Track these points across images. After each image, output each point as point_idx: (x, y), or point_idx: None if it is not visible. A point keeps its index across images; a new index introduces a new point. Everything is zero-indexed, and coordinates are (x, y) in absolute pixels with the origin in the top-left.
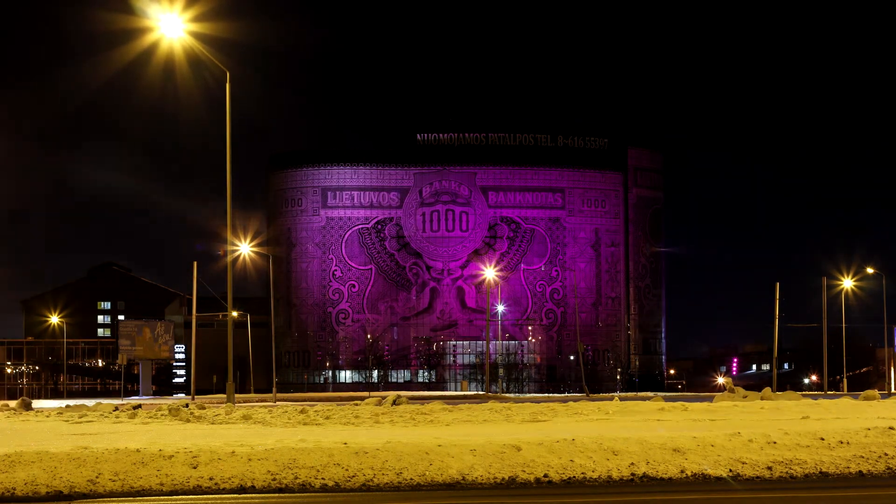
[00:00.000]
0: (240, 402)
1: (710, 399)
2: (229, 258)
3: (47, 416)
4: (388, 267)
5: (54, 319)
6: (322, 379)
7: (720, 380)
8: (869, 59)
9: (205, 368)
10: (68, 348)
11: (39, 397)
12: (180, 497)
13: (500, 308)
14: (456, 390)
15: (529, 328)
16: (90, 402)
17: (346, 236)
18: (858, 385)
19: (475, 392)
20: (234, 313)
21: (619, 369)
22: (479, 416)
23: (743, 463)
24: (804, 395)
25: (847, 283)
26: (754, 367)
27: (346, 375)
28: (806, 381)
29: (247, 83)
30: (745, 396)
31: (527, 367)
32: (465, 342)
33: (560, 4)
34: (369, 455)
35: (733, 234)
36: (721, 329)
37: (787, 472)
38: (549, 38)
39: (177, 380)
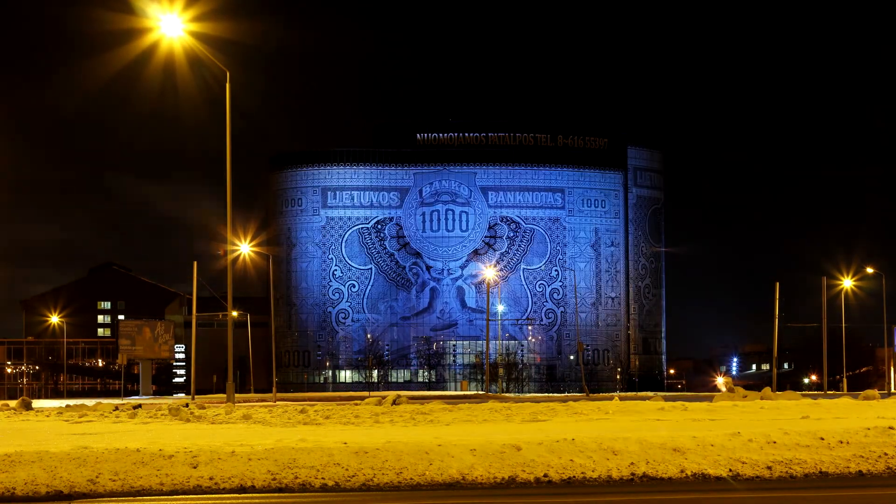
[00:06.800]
0: (240, 402)
1: (710, 399)
2: (229, 258)
3: (47, 416)
4: (388, 267)
5: (54, 319)
6: (322, 379)
7: (720, 380)
8: (870, 57)
9: (205, 368)
10: (68, 348)
11: (39, 397)
12: (180, 497)
13: (500, 308)
14: (456, 390)
15: (529, 328)
16: (90, 402)
17: (346, 236)
18: (858, 385)
19: (475, 392)
20: (234, 313)
21: (618, 369)
22: (479, 415)
23: (743, 463)
24: (804, 395)
25: (847, 283)
26: (754, 366)
27: (346, 375)
28: (806, 380)
29: (247, 83)
30: (745, 396)
31: (527, 366)
32: (465, 342)
33: (560, 4)
34: (369, 455)
35: (733, 234)
36: (721, 329)
37: (786, 472)
38: (548, 38)
39: (177, 379)
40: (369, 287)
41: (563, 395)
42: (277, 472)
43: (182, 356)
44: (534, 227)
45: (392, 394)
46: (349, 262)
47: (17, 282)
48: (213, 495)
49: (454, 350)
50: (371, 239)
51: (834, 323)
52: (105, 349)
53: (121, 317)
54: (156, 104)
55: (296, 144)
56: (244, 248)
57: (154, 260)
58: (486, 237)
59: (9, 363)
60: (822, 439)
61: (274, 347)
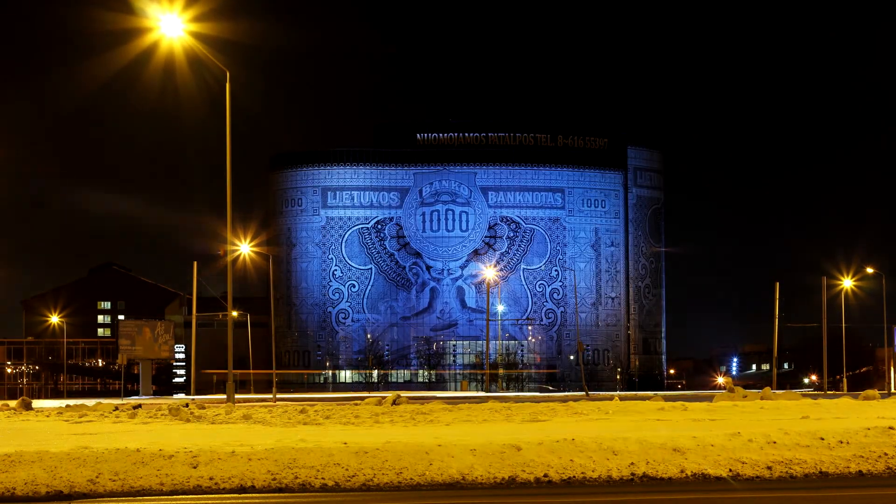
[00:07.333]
0: (240, 402)
1: (710, 399)
2: (229, 258)
3: (47, 416)
4: (388, 267)
5: (54, 319)
6: (322, 379)
7: (720, 380)
8: (870, 57)
9: (205, 368)
10: (68, 348)
11: (39, 397)
12: (180, 497)
13: (500, 308)
14: (456, 390)
15: (529, 328)
16: (90, 402)
17: (346, 236)
18: (858, 385)
19: (475, 392)
20: (234, 313)
21: (619, 369)
22: (479, 415)
23: (743, 463)
24: (804, 395)
25: (847, 283)
26: (754, 366)
27: (346, 375)
28: (806, 380)
29: (247, 83)
30: (745, 396)
31: (527, 366)
32: (465, 342)
33: (560, 4)
34: (369, 455)
35: (733, 234)
36: (721, 329)
37: (786, 472)
38: (548, 38)
39: (177, 380)
40: (369, 287)
41: (563, 395)
42: (277, 472)
43: (182, 356)
44: (534, 227)
45: (392, 394)
46: (349, 262)
47: (18, 282)
48: (213, 495)
49: (454, 350)
50: (371, 239)
51: (834, 323)
52: (105, 349)
53: (121, 317)
54: (156, 104)
55: (296, 144)
56: (244, 249)
57: (154, 260)
58: (486, 237)
59: (9, 363)
60: (822, 439)
61: (274, 347)
